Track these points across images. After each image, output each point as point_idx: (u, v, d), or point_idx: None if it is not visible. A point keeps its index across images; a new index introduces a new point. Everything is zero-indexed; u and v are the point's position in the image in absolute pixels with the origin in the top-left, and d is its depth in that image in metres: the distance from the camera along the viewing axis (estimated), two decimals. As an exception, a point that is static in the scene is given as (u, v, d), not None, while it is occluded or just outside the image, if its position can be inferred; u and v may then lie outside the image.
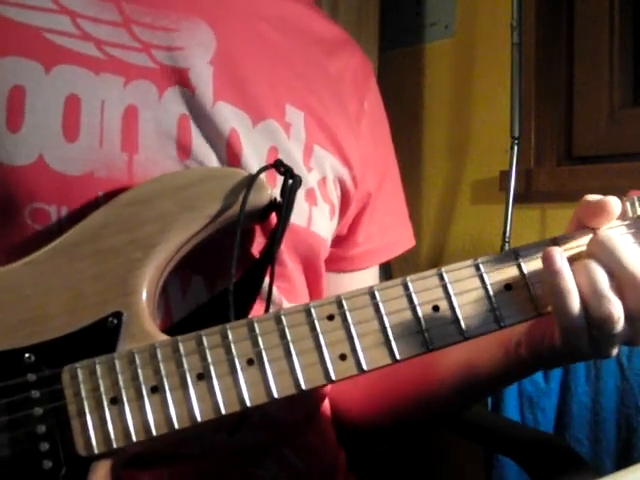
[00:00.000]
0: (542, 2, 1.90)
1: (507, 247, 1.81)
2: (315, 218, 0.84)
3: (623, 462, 1.38)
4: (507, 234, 1.81)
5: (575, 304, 0.66)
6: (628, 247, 0.67)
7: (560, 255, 0.67)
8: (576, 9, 1.91)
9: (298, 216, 0.81)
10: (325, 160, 0.86)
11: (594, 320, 0.66)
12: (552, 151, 1.92)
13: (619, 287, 0.67)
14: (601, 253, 0.67)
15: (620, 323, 0.65)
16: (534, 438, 1.11)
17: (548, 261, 0.67)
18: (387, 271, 1.05)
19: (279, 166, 0.75)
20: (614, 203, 0.69)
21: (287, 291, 0.83)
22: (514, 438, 1.12)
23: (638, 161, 1.69)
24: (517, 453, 1.10)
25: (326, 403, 0.94)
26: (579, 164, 1.88)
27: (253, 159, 0.79)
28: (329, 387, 0.93)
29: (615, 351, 0.70)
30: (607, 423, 1.40)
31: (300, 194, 0.81)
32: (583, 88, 1.89)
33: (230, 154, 0.78)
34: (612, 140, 1.83)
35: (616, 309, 0.65)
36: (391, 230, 1.01)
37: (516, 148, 1.85)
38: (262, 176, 0.73)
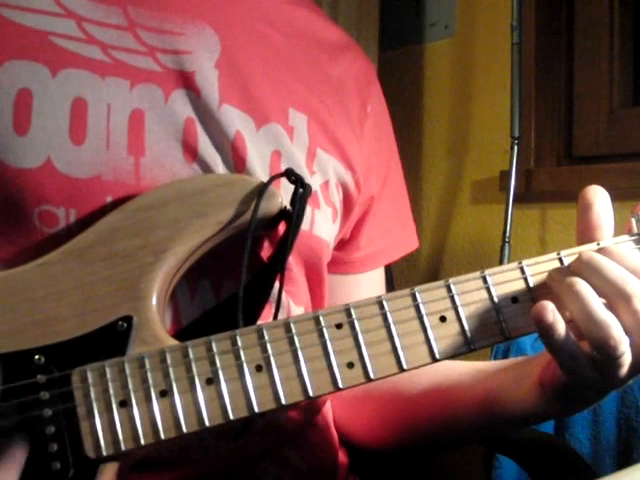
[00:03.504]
0: (542, 2, 1.91)
1: (507, 247, 1.82)
2: (318, 221, 0.85)
3: (623, 462, 1.39)
4: (507, 234, 1.82)
5: (572, 344, 0.65)
6: (612, 262, 0.67)
7: (551, 312, 0.65)
8: (576, 9, 1.91)
9: None
10: (328, 164, 0.87)
11: (596, 347, 0.65)
12: (552, 151, 1.92)
13: (611, 305, 0.66)
14: (586, 273, 0.67)
15: (622, 344, 0.64)
16: (534, 438, 1.11)
17: (539, 321, 0.66)
18: (387, 271, 1.05)
19: (290, 175, 0.76)
20: (603, 211, 0.70)
21: (292, 294, 0.84)
22: (514, 438, 1.12)
23: (638, 161, 1.69)
24: (517, 453, 1.11)
25: (328, 405, 0.94)
26: (579, 164, 1.89)
27: (257, 162, 0.79)
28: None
29: (628, 378, 0.68)
30: (607, 423, 1.41)
31: None
32: (583, 88, 1.89)
33: (235, 157, 0.78)
34: (612, 140, 1.83)
35: (613, 330, 0.64)
36: (393, 232, 1.01)
37: (516, 148, 1.85)
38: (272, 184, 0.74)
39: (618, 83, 1.85)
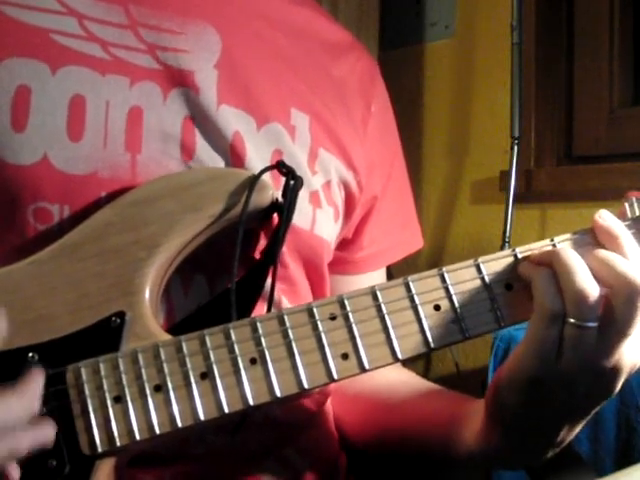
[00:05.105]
0: (542, 2, 1.91)
1: (507, 247, 1.81)
2: (319, 221, 0.84)
3: (623, 462, 1.38)
4: (507, 234, 1.81)
5: (556, 293, 0.65)
6: (582, 262, 0.66)
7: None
8: (576, 9, 1.91)
9: (301, 218, 0.82)
10: (330, 163, 0.87)
11: (570, 301, 0.64)
12: (552, 151, 1.92)
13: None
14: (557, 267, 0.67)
15: (595, 308, 0.64)
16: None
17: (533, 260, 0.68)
18: (387, 271, 1.05)
19: (281, 167, 0.76)
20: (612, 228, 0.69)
21: (288, 292, 0.83)
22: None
23: (638, 161, 1.69)
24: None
25: (328, 405, 0.94)
26: (579, 164, 1.89)
27: (257, 162, 0.79)
28: (331, 388, 0.94)
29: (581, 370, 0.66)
30: (607, 423, 1.40)
31: (304, 197, 0.82)
32: (583, 88, 1.89)
33: (234, 157, 0.78)
34: (612, 140, 1.83)
35: (592, 286, 0.64)
36: (396, 232, 1.01)
37: (516, 148, 1.85)
38: (265, 177, 0.73)
39: (618, 83, 1.86)
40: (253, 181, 0.72)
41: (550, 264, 0.66)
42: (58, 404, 0.63)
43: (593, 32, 1.87)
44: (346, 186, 0.89)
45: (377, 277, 1.00)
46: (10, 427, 0.59)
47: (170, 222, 0.70)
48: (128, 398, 0.63)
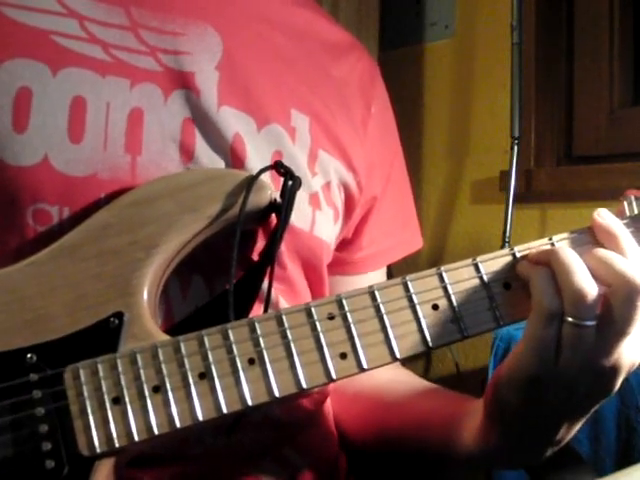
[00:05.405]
0: (542, 2, 1.91)
1: (507, 247, 1.81)
2: (318, 222, 0.84)
3: (623, 462, 1.38)
4: (507, 234, 1.81)
5: (554, 293, 0.65)
6: (580, 262, 0.66)
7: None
8: (576, 9, 1.91)
9: (301, 220, 0.82)
10: (329, 165, 0.87)
11: (568, 300, 0.64)
12: (552, 151, 1.92)
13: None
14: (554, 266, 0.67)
15: (594, 307, 0.64)
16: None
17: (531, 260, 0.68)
18: (387, 271, 1.05)
19: (279, 167, 0.76)
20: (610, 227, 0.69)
21: (286, 293, 0.83)
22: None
23: (638, 161, 1.69)
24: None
25: (327, 404, 0.94)
26: (579, 164, 1.89)
27: (257, 163, 0.79)
28: (331, 388, 0.94)
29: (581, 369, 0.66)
30: (607, 423, 1.40)
31: (304, 198, 0.82)
32: (583, 88, 1.90)
33: (234, 158, 0.78)
34: (612, 140, 1.83)
35: (590, 285, 0.64)
36: (396, 233, 1.01)
37: (516, 148, 1.85)
38: (263, 177, 0.73)
39: (618, 83, 1.86)
40: (251, 181, 0.72)
41: (548, 263, 0.66)
42: (56, 405, 0.63)
43: (593, 32, 1.87)
44: (346, 187, 0.89)
45: (377, 277, 0.99)
46: None
47: (168, 223, 0.70)
48: (127, 399, 0.63)
